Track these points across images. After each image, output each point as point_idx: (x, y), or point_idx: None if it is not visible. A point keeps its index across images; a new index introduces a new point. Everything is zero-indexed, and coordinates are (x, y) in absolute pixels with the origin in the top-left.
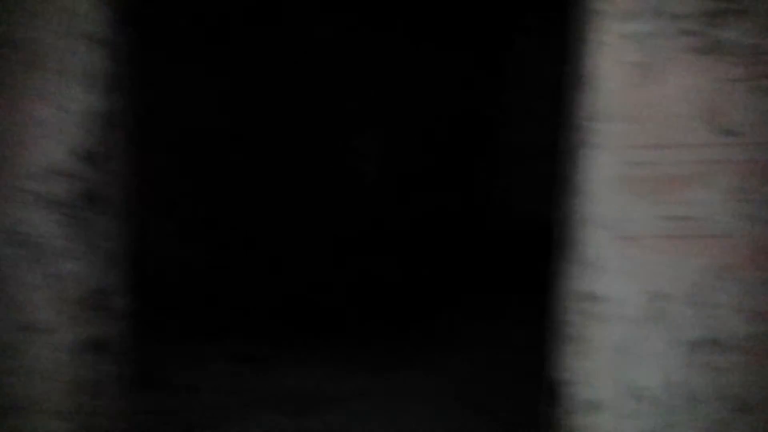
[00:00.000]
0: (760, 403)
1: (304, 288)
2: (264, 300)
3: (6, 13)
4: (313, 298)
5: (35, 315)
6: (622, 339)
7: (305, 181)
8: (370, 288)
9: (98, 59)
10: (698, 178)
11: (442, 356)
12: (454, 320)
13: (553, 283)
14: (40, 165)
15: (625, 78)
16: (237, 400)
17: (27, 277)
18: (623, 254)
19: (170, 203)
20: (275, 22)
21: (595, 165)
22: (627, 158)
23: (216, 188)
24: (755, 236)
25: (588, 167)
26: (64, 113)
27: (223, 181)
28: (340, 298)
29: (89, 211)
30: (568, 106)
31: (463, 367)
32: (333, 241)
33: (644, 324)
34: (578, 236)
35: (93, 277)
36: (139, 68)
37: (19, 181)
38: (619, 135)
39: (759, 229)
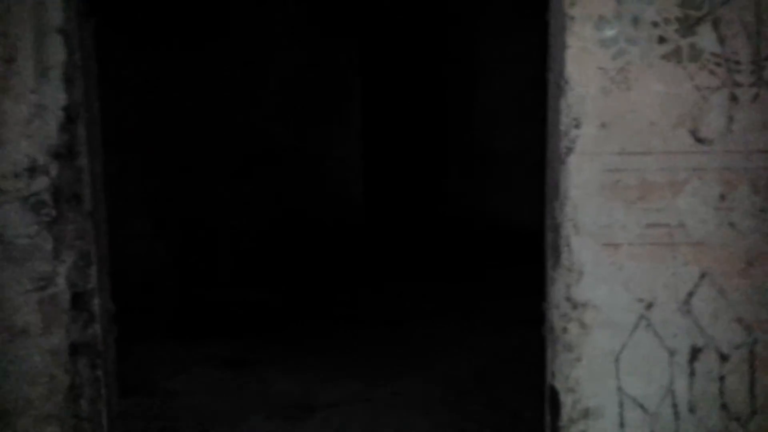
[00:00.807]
0: (756, 412)
1: (287, 290)
2: (243, 301)
3: None
4: (296, 300)
5: (18, 317)
6: (614, 347)
7: (280, 179)
8: (356, 290)
9: (65, 52)
10: (680, 186)
11: (440, 363)
12: (449, 326)
13: (544, 290)
14: (16, 163)
15: (602, 84)
16: (225, 406)
17: (8, 279)
18: (609, 261)
19: (139, 203)
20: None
21: (576, 172)
22: (607, 165)
23: (188, 187)
24: (739, 244)
25: (569, 174)
26: (36, 108)
27: (194, 180)
28: (323, 300)
29: (62, 210)
30: (547, 112)
31: (460, 374)
32: (309, 243)
33: (635, 332)
34: (564, 243)
35: (71, 278)
36: (104, 63)
37: None
38: (598, 141)
39: (742, 238)
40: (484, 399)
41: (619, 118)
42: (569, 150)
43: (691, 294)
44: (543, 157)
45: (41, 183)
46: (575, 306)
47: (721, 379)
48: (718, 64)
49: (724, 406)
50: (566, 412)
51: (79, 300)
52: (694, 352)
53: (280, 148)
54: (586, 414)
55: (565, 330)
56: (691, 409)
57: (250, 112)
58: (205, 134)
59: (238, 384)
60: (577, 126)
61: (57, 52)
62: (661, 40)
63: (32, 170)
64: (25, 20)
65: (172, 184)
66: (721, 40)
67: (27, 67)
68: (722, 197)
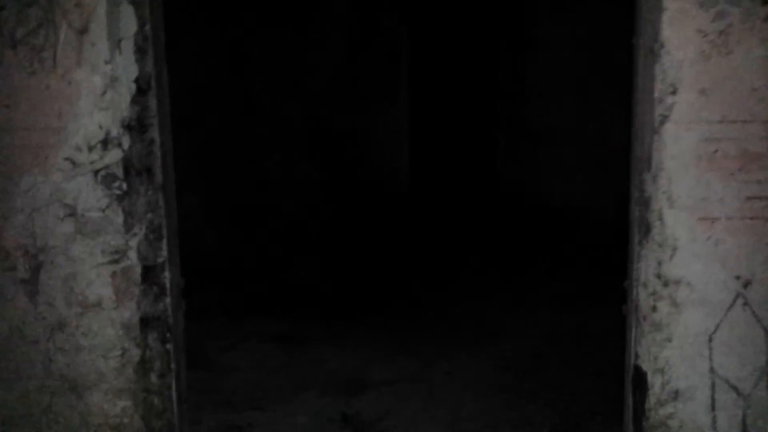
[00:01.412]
0: None
1: (335, 268)
2: (292, 279)
3: None
4: (345, 279)
5: (91, 291)
6: (708, 326)
7: (328, 158)
8: (403, 271)
9: (137, 23)
10: None
11: (492, 345)
12: (499, 309)
13: (629, 267)
14: (90, 135)
15: (701, 48)
16: (278, 381)
17: (81, 252)
18: (705, 237)
19: (192, 180)
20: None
21: (671, 141)
22: (705, 134)
23: (237, 167)
24: None
25: (664, 144)
26: (109, 80)
27: (244, 159)
28: (375, 278)
29: (133, 183)
30: (637, 78)
31: (513, 355)
32: (356, 219)
33: (730, 311)
34: (655, 218)
35: (143, 252)
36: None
37: (71, 153)
38: (695, 109)
39: None
40: (541, 380)
41: (718, 84)
42: (664, 118)
43: None
44: (598, 133)
45: (114, 156)
46: (666, 283)
47: None
48: None
49: None
50: (654, 393)
51: (149, 273)
52: None
53: (329, 126)
54: (675, 396)
55: (654, 308)
56: None
57: (302, 93)
58: (257, 115)
59: (291, 360)
60: (673, 93)
61: (129, 23)
62: (765, 1)
63: (105, 143)
64: None
65: (222, 164)
66: None
67: (101, 38)
68: None
